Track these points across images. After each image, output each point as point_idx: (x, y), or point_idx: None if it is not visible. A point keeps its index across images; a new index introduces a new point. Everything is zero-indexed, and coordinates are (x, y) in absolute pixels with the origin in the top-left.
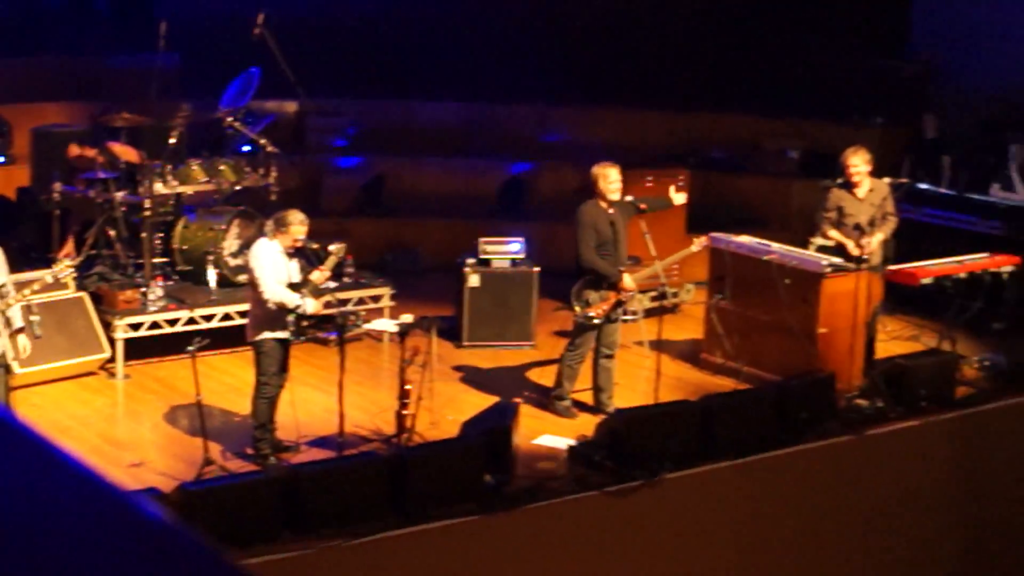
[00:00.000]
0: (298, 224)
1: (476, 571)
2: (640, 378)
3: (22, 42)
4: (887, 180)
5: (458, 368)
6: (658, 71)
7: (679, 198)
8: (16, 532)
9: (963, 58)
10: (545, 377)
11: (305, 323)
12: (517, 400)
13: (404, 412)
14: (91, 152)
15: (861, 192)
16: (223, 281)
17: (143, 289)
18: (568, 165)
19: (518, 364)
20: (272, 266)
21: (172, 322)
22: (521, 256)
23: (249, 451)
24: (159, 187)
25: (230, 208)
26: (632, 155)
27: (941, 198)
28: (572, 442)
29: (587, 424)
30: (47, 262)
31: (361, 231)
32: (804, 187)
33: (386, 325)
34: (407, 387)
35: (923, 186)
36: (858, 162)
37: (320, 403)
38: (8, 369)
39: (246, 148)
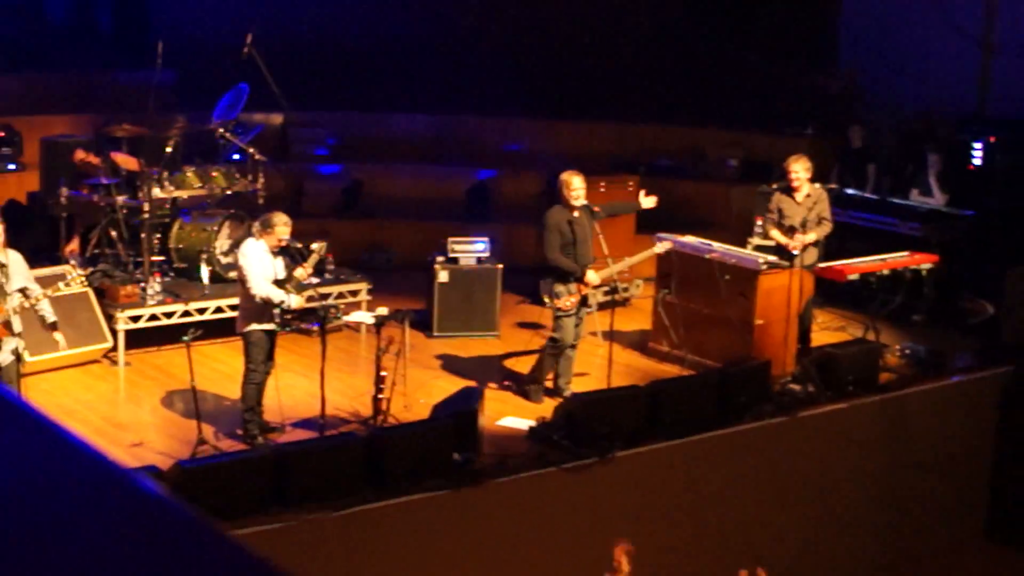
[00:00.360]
0: (282, 225)
1: (446, 540)
2: (594, 365)
3: (32, 59)
4: (820, 185)
5: (429, 356)
6: (610, 87)
7: (647, 202)
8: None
9: (886, 75)
10: (509, 363)
11: (289, 315)
12: (483, 385)
13: (380, 396)
14: (95, 158)
15: (799, 196)
16: (215, 277)
17: (142, 284)
18: (528, 172)
19: (483, 352)
20: (259, 264)
21: (169, 314)
22: (486, 254)
23: (239, 432)
24: (157, 192)
25: (221, 211)
26: (586, 163)
27: (866, 202)
28: (532, 423)
29: (546, 407)
30: (55, 261)
31: (340, 232)
32: (742, 192)
33: (363, 317)
34: (383, 373)
35: (850, 191)
36: (798, 169)
37: (303, 388)
38: (20, 358)
39: (236, 156)
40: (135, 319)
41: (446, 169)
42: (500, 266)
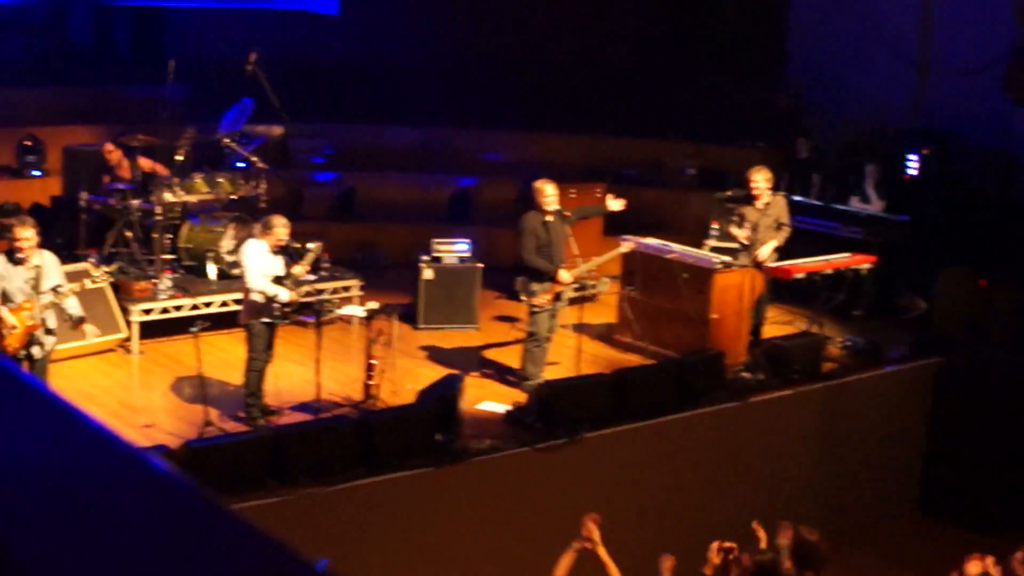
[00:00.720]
0: (281, 227)
1: (429, 513)
2: (564, 355)
3: (56, 75)
4: (781, 194)
5: (414, 346)
6: (581, 103)
7: (615, 204)
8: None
9: (829, 91)
10: (487, 353)
11: (287, 309)
12: (464, 372)
13: (370, 382)
14: (118, 152)
15: (759, 204)
16: (221, 274)
17: (155, 280)
18: (506, 180)
19: (464, 343)
20: (258, 261)
21: (178, 308)
22: (467, 254)
23: (241, 415)
24: (168, 196)
25: (227, 214)
26: (559, 172)
27: (811, 208)
28: (509, 407)
29: (522, 392)
30: (76, 258)
31: (335, 234)
32: (699, 198)
33: (355, 311)
34: (372, 362)
35: (797, 198)
36: (758, 179)
37: (300, 375)
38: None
39: (240, 164)
40: (148, 312)
41: (431, 177)
42: (480, 265)
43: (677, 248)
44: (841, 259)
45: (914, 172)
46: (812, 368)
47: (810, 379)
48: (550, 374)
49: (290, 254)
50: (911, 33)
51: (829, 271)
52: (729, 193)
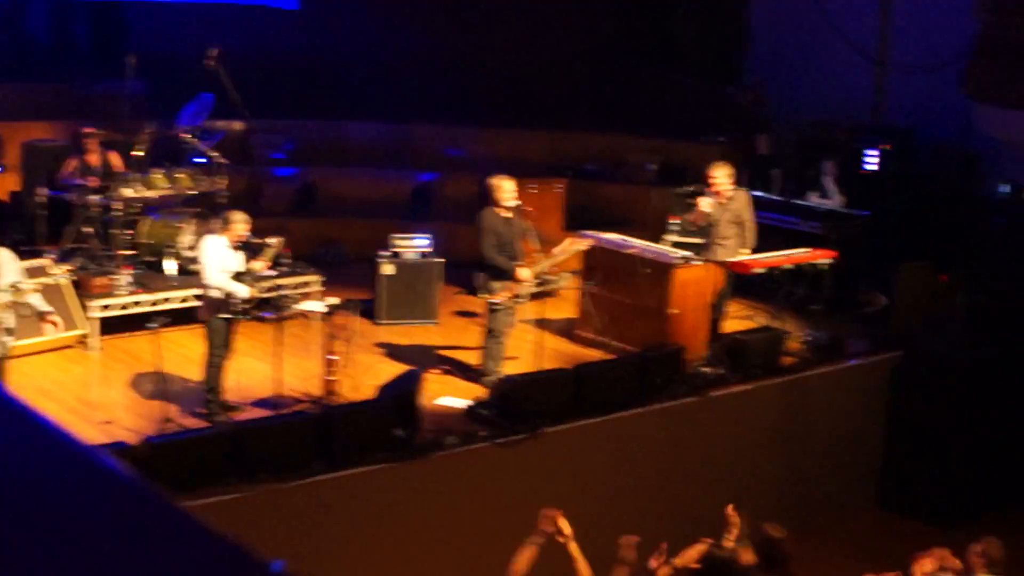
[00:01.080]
0: (240, 223)
1: (389, 508)
2: (525, 350)
3: (15, 71)
4: (744, 190)
5: (375, 342)
6: (542, 98)
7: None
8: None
9: (789, 88)
10: (447, 349)
11: (247, 305)
12: (424, 368)
13: (330, 378)
14: (95, 141)
15: (722, 199)
16: (180, 270)
17: (114, 276)
18: (467, 175)
19: (424, 338)
20: (217, 257)
21: (138, 303)
22: (428, 249)
23: (201, 410)
24: (128, 192)
25: (187, 209)
26: (519, 167)
27: (772, 203)
28: (469, 402)
29: (482, 388)
30: (34, 254)
31: (296, 229)
32: (660, 194)
33: (316, 306)
34: (333, 357)
35: (757, 193)
36: (718, 174)
37: (260, 371)
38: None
39: (200, 160)
40: (107, 308)
41: (392, 172)
42: (440, 260)
43: (638, 243)
44: (801, 254)
45: (873, 168)
46: (772, 362)
47: (770, 373)
48: (510, 369)
49: (250, 249)
50: (870, 30)
51: (789, 266)
52: (690, 188)
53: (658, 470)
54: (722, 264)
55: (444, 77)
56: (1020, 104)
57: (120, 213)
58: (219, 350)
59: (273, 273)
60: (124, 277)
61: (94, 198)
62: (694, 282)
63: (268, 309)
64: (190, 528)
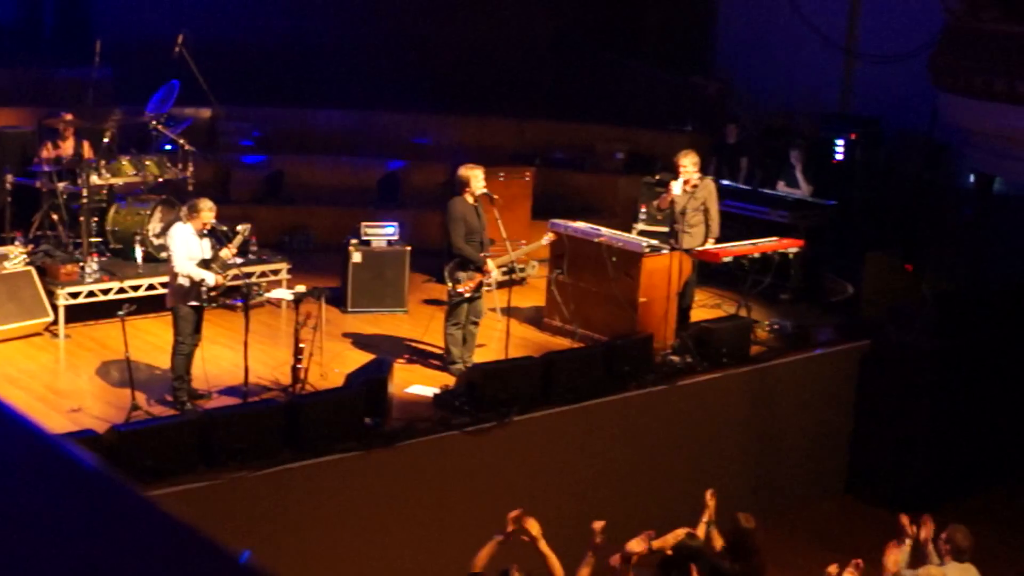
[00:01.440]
0: (207, 211)
1: (358, 497)
2: (493, 338)
3: None
4: (710, 179)
5: (343, 330)
6: (510, 86)
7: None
8: None
9: (758, 77)
10: (416, 336)
11: (214, 293)
12: (392, 356)
13: (298, 366)
14: (71, 129)
15: (688, 187)
16: (148, 257)
17: (81, 263)
18: (435, 163)
19: (393, 326)
20: (184, 245)
21: (105, 291)
22: (396, 237)
23: (169, 398)
24: (95, 179)
25: (154, 197)
26: (487, 155)
27: (739, 192)
28: (437, 391)
29: (450, 376)
30: (1, 241)
31: (263, 217)
32: (628, 182)
33: (283, 294)
34: (301, 345)
35: (725, 182)
36: (687, 163)
37: (228, 359)
38: None
39: (168, 147)
40: (74, 295)
41: (360, 160)
42: (408, 248)
43: (606, 232)
44: (768, 243)
45: (841, 157)
46: (740, 351)
47: (738, 362)
48: (479, 357)
49: (218, 237)
50: (838, 19)
51: (757, 255)
52: (658, 177)
53: (626, 458)
54: (690, 253)
55: (411, 65)
56: (987, 94)
57: (87, 200)
58: (187, 338)
59: (240, 260)
60: (91, 264)
61: (61, 185)
62: (662, 271)
63: (236, 296)
64: (155, 518)
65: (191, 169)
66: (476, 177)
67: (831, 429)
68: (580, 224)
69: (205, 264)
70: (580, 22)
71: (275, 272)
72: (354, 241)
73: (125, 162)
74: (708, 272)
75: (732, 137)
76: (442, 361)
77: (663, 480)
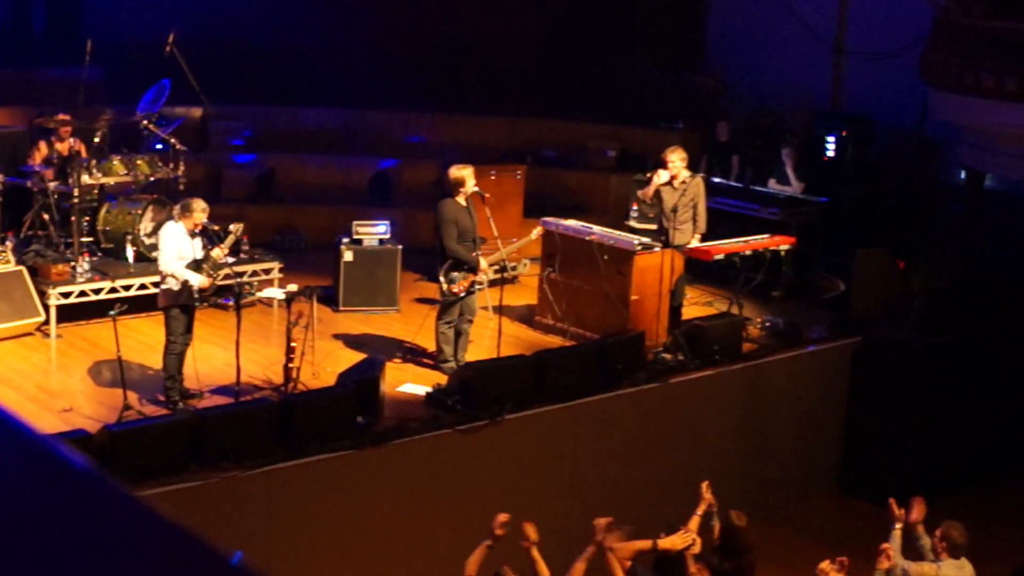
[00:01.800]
0: (200, 211)
1: (350, 496)
2: (485, 336)
3: None
4: (700, 177)
5: (335, 329)
6: (501, 84)
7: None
8: None
9: (749, 74)
10: (408, 335)
11: (204, 292)
12: (384, 355)
13: (290, 365)
14: (69, 129)
15: (676, 182)
16: (139, 257)
17: (72, 263)
18: (426, 162)
19: (385, 325)
20: (174, 244)
21: (97, 291)
22: (387, 236)
23: (161, 398)
24: (86, 178)
25: (145, 196)
26: (479, 154)
27: (731, 189)
28: (429, 389)
29: (442, 374)
30: None
31: (255, 216)
32: (619, 180)
33: (275, 293)
34: (293, 344)
35: (717, 180)
36: (674, 158)
37: (220, 358)
38: None
39: (159, 146)
40: (66, 295)
41: (351, 159)
42: (400, 247)
43: (597, 230)
44: (760, 240)
45: (832, 154)
46: (732, 349)
47: (730, 360)
48: (471, 356)
49: (209, 237)
50: (828, 16)
51: (748, 252)
52: (649, 175)
53: (619, 456)
54: (681, 250)
55: (402, 63)
56: (976, 90)
57: (78, 200)
58: (178, 337)
59: (232, 260)
60: (82, 264)
61: (52, 185)
62: (654, 268)
63: (228, 296)
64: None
65: (182, 168)
66: (470, 177)
67: (823, 425)
68: (571, 222)
69: (196, 264)
70: (571, 20)
71: (267, 271)
72: (346, 240)
73: (116, 162)
74: (700, 270)
75: (723, 135)
76: (434, 360)
77: (655, 478)
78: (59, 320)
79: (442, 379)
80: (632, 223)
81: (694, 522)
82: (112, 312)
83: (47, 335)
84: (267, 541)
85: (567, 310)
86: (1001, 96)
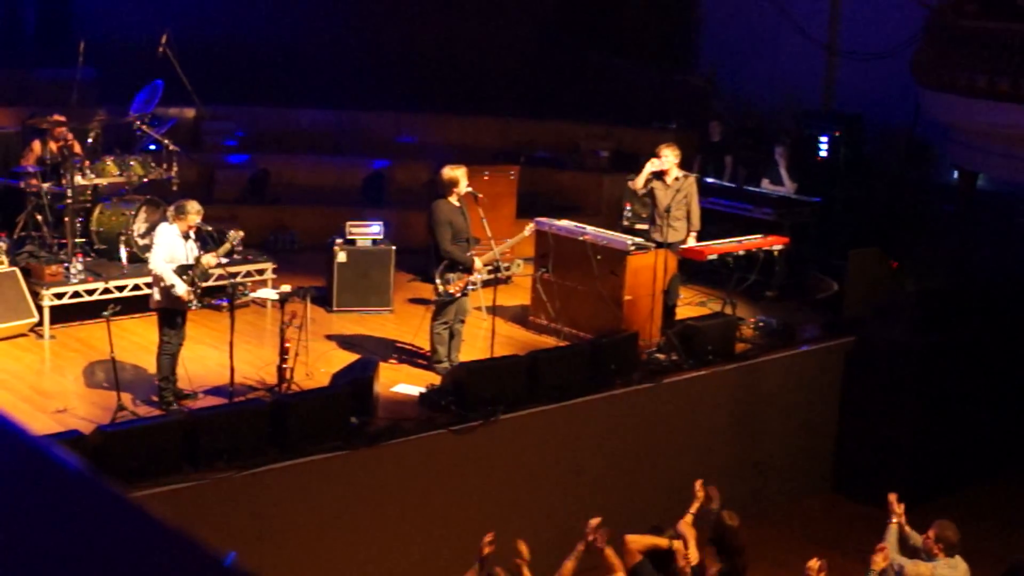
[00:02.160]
0: (194, 213)
1: (343, 497)
2: (479, 337)
3: None
4: (693, 177)
5: (328, 329)
6: (494, 85)
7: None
8: None
9: (742, 75)
10: (401, 335)
11: (185, 302)
12: (378, 355)
13: (284, 366)
14: (39, 148)
15: (669, 179)
16: (132, 257)
17: (66, 264)
18: (419, 162)
19: (378, 325)
20: (166, 245)
21: (90, 292)
22: (380, 236)
23: (154, 399)
24: (79, 179)
25: (139, 197)
26: (472, 154)
27: (724, 189)
28: (423, 389)
29: (436, 375)
30: None
31: (248, 216)
32: (612, 181)
33: (269, 294)
34: (286, 345)
35: (710, 180)
36: (668, 153)
37: (214, 359)
38: None
39: (152, 147)
40: (59, 296)
41: (345, 159)
42: (393, 247)
43: (590, 230)
44: (753, 240)
45: (825, 154)
46: (725, 349)
47: (723, 359)
48: (464, 356)
49: (204, 238)
50: (820, 17)
51: (742, 252)
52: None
53: (612, 456)
54: (674, 250)
55: (395, 64)
56: (969, 91)
57: (71, 200)
58: (172, 338)
59: (225, 261)
60: (76, 265)
61: (45, 185)
62: (647, 268)
63: (221, 297)
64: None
65: (175, 169)
66: (457, 179)
67: (817, 426)
68: (565, 222)
69: (186, 269)
70: (564, 20)
71: (260, 272)
72: (339, 240)
73: (109, 162)
74: (693, 270)
75: (716, 135)
76: (428, 360)
77: (649, 477)
78: (53, 321)
79: (436, 379)
80: (626, 223)
81: (687, 519)
82: (105, 313)
83: (41, 336)
84: (260, 542)
85: (561, 310)
86: (993, 96)
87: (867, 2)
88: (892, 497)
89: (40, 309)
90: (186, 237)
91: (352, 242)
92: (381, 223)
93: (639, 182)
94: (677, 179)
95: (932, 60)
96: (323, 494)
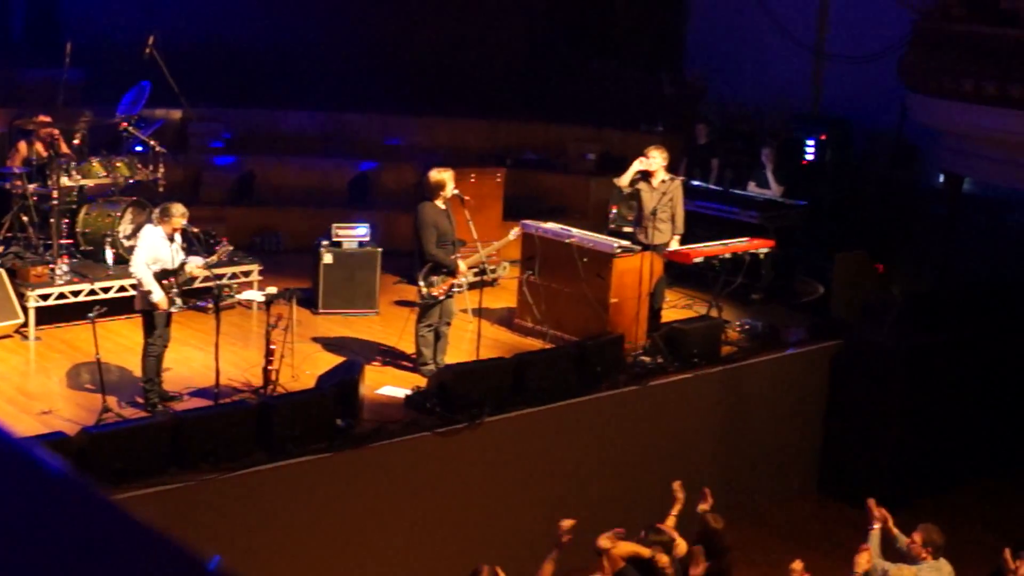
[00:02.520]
0: (179, 216)
1: (328, 498)
2: (464, 339)
3: None
4: (679, 180)
5: (314, 331)
6: (481, 87)
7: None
8: None
9: (727, 77)
10: (387, 338)
11: (161, 310)
12: (364, 357)
13: (269, 367)
14: (24, 149)
15: (655, 182)
16: (118, 259)
17: (52, 265)
18: (406, 165)
19: (364, 328)
20: (149, 248)
21: (76, 293)
22: (367, 238)
23: (140, 400)
24: (65, 180)
25: (125, 198)
26: (458, 156)
27: (710, 192)
28: (409, 392)
29: (421, 377)
30: None
31: (234, 218)
32: (599, 184)
33: (254, 295)
34: (272, 347)
35: (696, 183)
36: (655, 155)
37: (199, 360)
38: None
39: (138, 148)
40: (45, 297)
41: (331, 161)
42: (379, 249)
43: (577, 233)
44: (739, 243)
45: (811, 157)
46: (711, 352)
47: (709, 362)
48: (450, 358)
49: (190, 240)
50: (808, 19)
51: (728, 255)
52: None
53: (598, 459)
54: (660, 253)
55: (382, 66)
56: (955, 94)
57: (57, 202)
58: (157, 340)
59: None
60: (62, 266)
61: (31, 186)
62: (633, 271)
63: (207, 298)
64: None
65: (162, 170)
66: (444, 182)
67: (803, 428)
68: (551, 225)
69: (167, 274)
70: (552, 23)
71: (246, 273)
72: (325, 242)
73: (95, 163)
74: (679, 273)
75: (703, 138)
76: (413, 362)
77: (634, 480)
78: (38, 322)
79: (421, 382)
80: (612, 226)
81: (670, 522)
82: (91, 314)
83: (26, 337)
84: (246, 544)
85: (547, 313)
86: (980, 100)
87: (855, 6)
88: (871, 502)
89: (25, 310)
90: (171, 239)
91: (338, 244)
92: (367, 225)
93: (625, 179)
94: (663, 182)
95: (919, 64)
96: (309, 496)
